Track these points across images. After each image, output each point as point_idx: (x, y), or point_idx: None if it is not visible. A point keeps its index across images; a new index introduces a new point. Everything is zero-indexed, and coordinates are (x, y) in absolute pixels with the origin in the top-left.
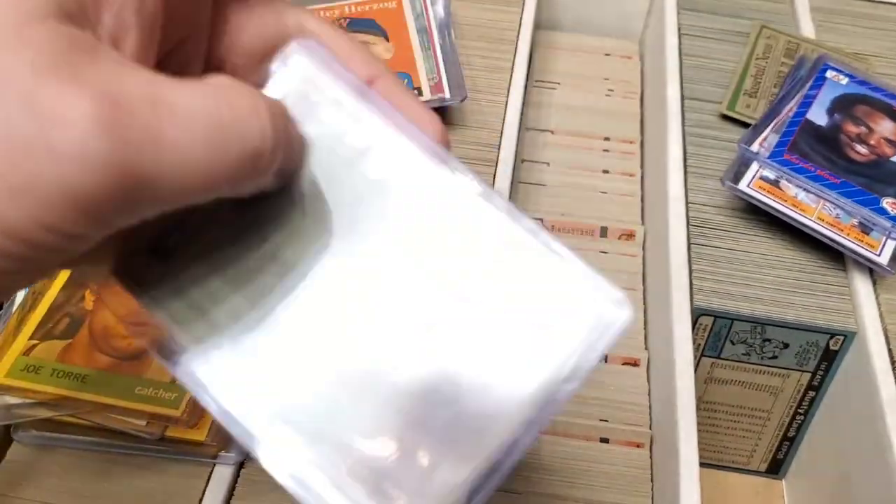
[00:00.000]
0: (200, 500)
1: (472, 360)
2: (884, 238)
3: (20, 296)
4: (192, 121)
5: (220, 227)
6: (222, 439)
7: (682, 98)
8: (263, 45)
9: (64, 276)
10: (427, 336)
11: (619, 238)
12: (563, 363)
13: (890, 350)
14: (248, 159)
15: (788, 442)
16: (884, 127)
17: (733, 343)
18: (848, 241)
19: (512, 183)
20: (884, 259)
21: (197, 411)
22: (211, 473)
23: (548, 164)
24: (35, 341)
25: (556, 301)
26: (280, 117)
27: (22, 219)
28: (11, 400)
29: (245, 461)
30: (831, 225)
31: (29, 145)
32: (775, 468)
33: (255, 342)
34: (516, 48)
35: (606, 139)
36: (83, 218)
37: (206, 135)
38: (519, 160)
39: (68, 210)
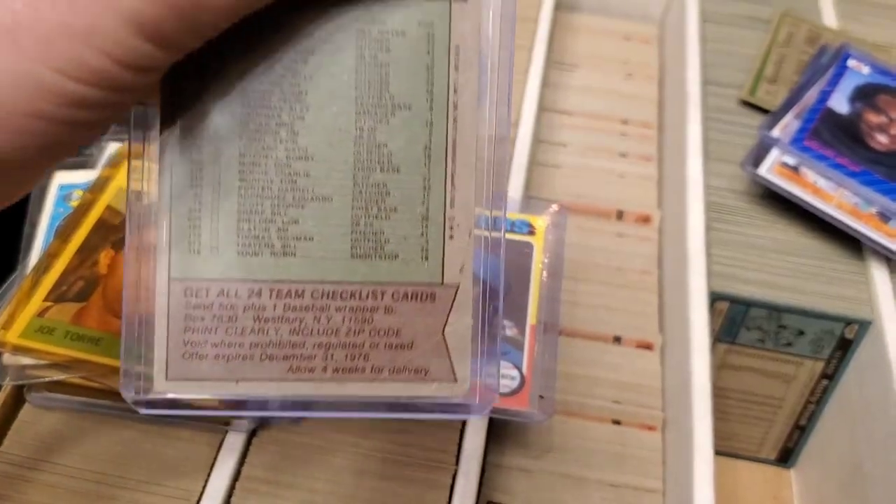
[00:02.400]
0: (212, 466)
1: None
2: None
3: (34, 258)
4: None
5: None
6: (235, 406)
7: (703, 83)
8: None
9: (78, 240)
10: None
11: (636, 221)
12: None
13: None
14: None
15: (800, 431)
16: None
17: (748, 329)
18: (866, 230)
19: (529, 163)
20: None
21: None
22: (223, 440)
23: (565, 145)
24: (49, 303)
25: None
26: None
27: (93, 57)
28: (25, 361)
29: (257, 429)
30: (850, 213)
31: None
32: (785, 457)
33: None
34: (536, 28)
35: (624, 122)
36: (151, 45)
37: None
38: (536, 140)
39: (136, 40)
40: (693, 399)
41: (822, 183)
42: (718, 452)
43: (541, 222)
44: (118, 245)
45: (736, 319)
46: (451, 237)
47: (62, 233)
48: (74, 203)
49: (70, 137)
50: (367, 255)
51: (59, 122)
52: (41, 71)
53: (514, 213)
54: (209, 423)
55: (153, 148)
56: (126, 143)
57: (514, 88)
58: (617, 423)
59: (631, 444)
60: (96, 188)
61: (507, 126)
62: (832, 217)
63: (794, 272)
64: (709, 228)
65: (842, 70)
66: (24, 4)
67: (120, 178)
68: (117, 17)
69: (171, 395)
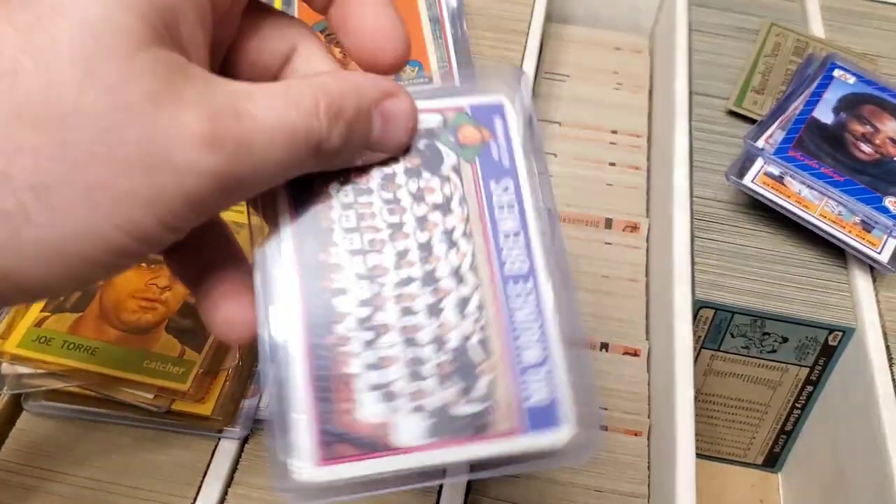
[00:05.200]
0: (205, 473)
1: None
2: (885, 236)
3: None
4: (270, 127)
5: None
6: (228, 414)
7: (690, 93)
8: (265, 65)
9: None
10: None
11: (624, 230)
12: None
13: (888, 346)
14: (312, 149)
15: (785, 435)
16: (889, 127)
17: (733, 336)
18: (850, 239)
19: None
20: (884, 257)
21: (203, 386)
22: (216, 447)
23: (555, 154)
24: (47, 313)
25: None
26: (336, 111)
27: (150, 222)
28: (22, 370)
29: (249, 436)
30: (833, 222)
31: (156, 164)
32: (772, 461)
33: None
34: (527, 39)
35: (614, 132)
36: (194, 214)
37: (282, 136)
38: None
39: (185, 210)
40: (676, 405)
41: (805, 192)
42: (706, 457)
43: None
44: None
45: (721, 326)
46: None
47: None
48: None
49: (103, 277)
50: None
51: (102, 266)
52: (107, 228)
53: None
54: (203, 430)
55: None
56: None
57: None
58: (604, 428)
59: (617, 449)
60: None
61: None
62: (816, 226)
63: (778, 280)
64: (694, 237)
65: (827, 80)
66: (109, 173)
67: None
68: (177, 193)
69: None
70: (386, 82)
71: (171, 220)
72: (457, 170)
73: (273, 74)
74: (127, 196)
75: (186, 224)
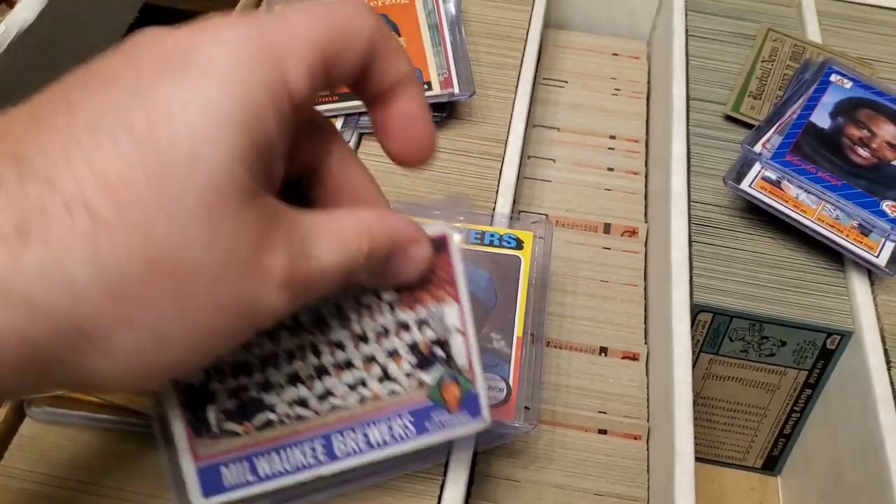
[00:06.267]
0: None
1: None
2: (883, 240)
3: None
4: (327, 269)
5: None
6: None
7: (688, 98)
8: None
9: None
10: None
11: (623, 235)
12: None
13: (886, 350)
14: (349, 279)
15: (784, 439)
16: (886, 131)
17: (731, 340)
18: (847, 243)
19: (518, 178)
20: (882, 260)
21: None
22: None
23: (553, 160)
24: None
25: None
26: (374, 254)
27: (224, 349)
28: None
29: None
30: (831, 226)
31: (245, 309)
32: (771, 465)
33: None
34: (525, 46)
35: (612, 137)
36: (272, 324)
37: (332, 275)
38: (525, 156)
39: (250, 334)
40: (675, 409)
41: (803, 197)
42: (705, 460)
43: (528, 236)
44: None
45: (719, 330)
46: None
47: None
48: None
49: None
50: None
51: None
52: (196, 358)
53: (502, 228)
54: None
55: None
56: None
57: (504, 105)
58: (603, 432)
59: (616, 453)
60: None
61: None
62: (813, 230)
63: (776, 284)
64: (692, 241)
65: (824, 85)
66: (209, 317)
67: None
68: (252, 327)
69: None
70: (415, 229)
71: (238, 343)
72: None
73: (310, 169)
74: (218, 337)
75: (240, 343)
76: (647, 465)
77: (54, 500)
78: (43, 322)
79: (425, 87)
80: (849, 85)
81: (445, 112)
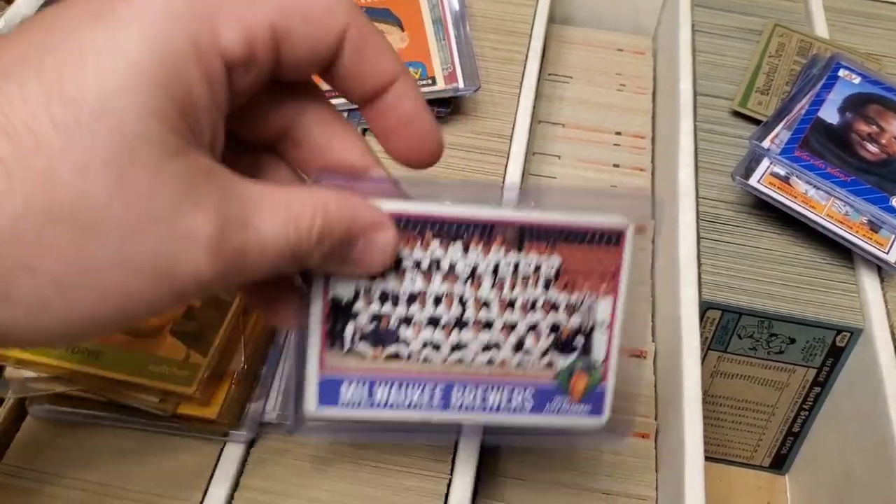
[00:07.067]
0: (211, 476)
1: None
2: (892, 236)
3: None
4: (266, 241)
5: None
6: (233, 417)
7: (695, 94)
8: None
9: None
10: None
11: None
12: None
13: None
14: (293, 260)
15: (792, 437)
16: (895, 126)
17: (740, 337)
18: (857, 239)
19: (523, 175)
20: (892, 257)
21: (209, 389)
22: (221, 451)
23: (559, 157)
24: None
25: None
26: (326, 233)
27: (145, 314)
28: (27, 374)
29: (255, 439)
30: (840, 222)
31: (162, 271)
32: (779, 463)
33: None
34: (530, 41)
35: (618, 133)
36: (178, 304)
37: (273, 250)
38: (530, 152)
39: (173, 303)
40: (684, 407)
41: (812, 193)
42: (713, 458)
43: None
44: None
45: (728, 328)
46: None
47: None
48: None
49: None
50: None
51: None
52: (111, 317)
53: None
54: (208, 434)
55: None
56: None
57: (509, 100)
58: (611, 431)
59: (624, 452)
60: None
61: None
62: (822, 227)
63: (785, 281)
64: (700, 238)
65: (832, 80)
66: (120, 276)
67: None
68: (174, 294)
69: None
70: (380, 215)
71: (160, 310)
72: None
73: (281, 131)
74: (131, 296)
75: (194, 298)
76: (656, 464)
77: (55, 498)
78: None
79: (429, 81)
80: (857, 80)
81: (450, 107)
